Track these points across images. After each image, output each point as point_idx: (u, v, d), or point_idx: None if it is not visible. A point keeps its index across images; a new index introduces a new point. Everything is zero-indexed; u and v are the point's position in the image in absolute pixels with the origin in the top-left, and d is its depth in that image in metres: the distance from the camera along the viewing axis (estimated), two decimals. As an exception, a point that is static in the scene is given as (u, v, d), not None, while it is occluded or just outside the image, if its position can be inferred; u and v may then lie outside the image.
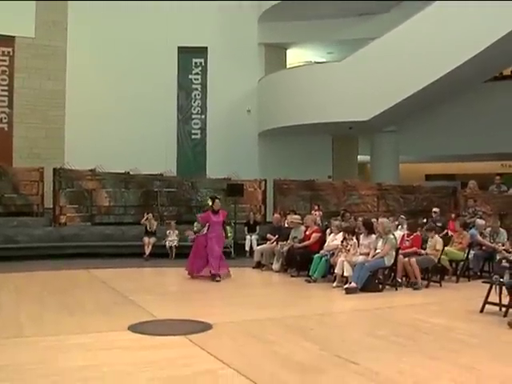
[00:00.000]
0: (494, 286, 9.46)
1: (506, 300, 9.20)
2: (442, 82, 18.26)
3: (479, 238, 13.90)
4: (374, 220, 13.39)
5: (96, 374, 5.95)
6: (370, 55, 19.95)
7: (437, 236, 13.03)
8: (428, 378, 5.96)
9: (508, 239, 13.77)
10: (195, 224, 17.47)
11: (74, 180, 18.96)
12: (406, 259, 12.30)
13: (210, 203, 13.59)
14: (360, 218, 15.39)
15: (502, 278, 9.53)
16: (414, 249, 12.87)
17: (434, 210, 16.56)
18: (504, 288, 9.26)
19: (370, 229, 12.55)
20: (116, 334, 7.76)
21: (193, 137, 23.69)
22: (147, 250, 17.06)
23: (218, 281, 12.71)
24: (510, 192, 18.70)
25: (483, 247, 13.81)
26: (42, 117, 21.20)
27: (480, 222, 14.60)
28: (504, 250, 12.52)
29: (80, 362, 6.33)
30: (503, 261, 10.51)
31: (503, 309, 9.23)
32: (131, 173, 19.41)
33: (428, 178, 29.41)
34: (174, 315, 8.98)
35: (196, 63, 23.65)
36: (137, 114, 21.78)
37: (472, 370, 6.24)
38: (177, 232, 17.70)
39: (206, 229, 13.60)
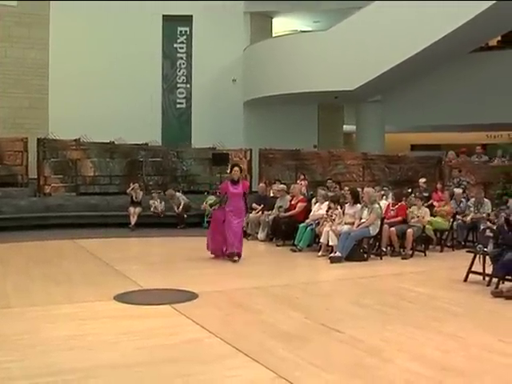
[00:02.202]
0: (477, 256, 9.56)
1: (489, 269, 9.29)
2: (428, 53, 18.20)
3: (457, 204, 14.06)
4: (359, 189, 13.42)
5: (82, 343, 5.99)
6: (356, 25, 19.83)
7: (423, 207, 13.13)
8: (412, 346, 6.04)
9: (492, 209, 13.86)
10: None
11: (58, 150, 18.88)
12: (392, 229, 12.38)
13: (228, 171, 12.40)
14: (346, 188, 15.42)
15: (486, 247, 9.62)
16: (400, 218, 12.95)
17: (422, 180, 16.61)
18: (488, 257, 9.35)
19: (355, 198, 12.60)
20: (102, 303, 7.79)
21: (178, 106, 23.56)
22: (133, 220, 17.04)
23: (235, 261, 11.37)
24: (494, 162, 18.77)
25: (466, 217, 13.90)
26: (25, 87, 20.95)
27: (457, 190, 14.70)
28: (488, 219, 12.63)
29: (66, 332, 6.36)
30: (487, 230, 10.60)
31: (487, 278, 9.33)
32: (116, 142, 19.33)
33: (413, 148, 29.45)
34: (160, 285, 9.01)
35: (181, 32, 23.43)
36: (121, 83, 21.58)
37: (456, 338, 6.33)
38: (158, 201, 17.71)
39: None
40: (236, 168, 11.93)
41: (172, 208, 17.82)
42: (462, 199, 14.64)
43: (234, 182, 11.73)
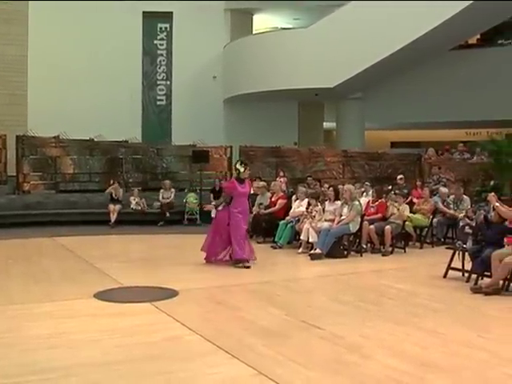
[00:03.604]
0: (457, 252, 9.63)
1: (468, 266, 9.36)
2: (408, 50, 18.32)
3: (441, 205, 14.06)
4: (340, 187, 13.46)
5: (63, 341, 5.97)
6: (337, 22, 19.91)
7: (404, 204, 13.19)
8: (392, 342, 6.07)
9: (471, 206, 13.95)
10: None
11: (37, 147, 18.74)
12: (372, 226, 12.44)
13: (242, 169, 10.92)
14: (326, 185, 15.46)
15: (465, 244, 9.70)
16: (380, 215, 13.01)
17: (399, 177, 16.69)
18: (467, 254, 9.42)
19: (336, 195, 12.65)
20: (83, 301, 7.75)
21: (158, 103, 23.52)
22: (112, 218, 16.95)
23: (247, 267, 10.42)
24: (473, 159, 18.92)
25: (446, 214, 13.98)
26: (3, 83, 20.72)
27: (443, 189, 14.76)
28: (466, 216, 12.71)
29: (47, 331, 6.33)
30: (466, 227, 10.69)
31: (466, 274, 9.41)
32: (96, 139, 19.23)
33: (393, 145, 29.61)
34: (141, 282, 8.99)
35: (161, 28, 23.40)
36: (101, 80, 21.52)
37: (435, 334, 6.37)
38: (138, 199, 17.67)
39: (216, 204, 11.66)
40: (248, 167, 11.16)
41: (151, 205, 17.79)
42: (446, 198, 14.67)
43: (241, 181, 10.93)
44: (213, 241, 10.97)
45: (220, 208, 11.26)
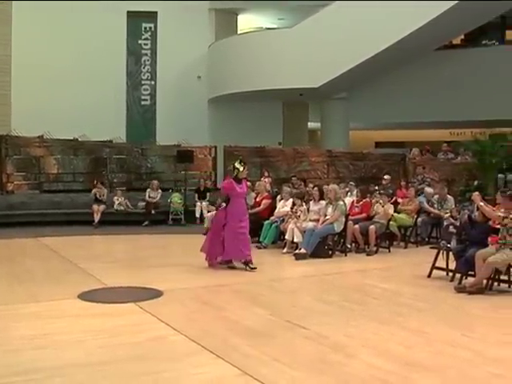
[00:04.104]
0: (441, 252, 9.67)
1: (452, 265, 9.41)
2: (392, 50, 18.35)
3: (426, 205, 14.12)
4: (325, 187, 13.48)
5: (47, 342, 5.94)
6: (321, 22, 19.92)
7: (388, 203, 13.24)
8: (377, 342, 6.09)
9: (455, 206, 14.02)
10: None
11: (21, 147, 18.66)
12: (356, 226, 12.47)
13: (241, 168, 10.55)
14: (310, 185, 15.48)
15: (449, 243, 9.76)
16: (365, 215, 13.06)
17: (385, 177, 16.74)
18: (451, 253, 9.47)
19: (321, 195, 12.67)
20: (67, 302, 7.73)
21: (142, 103, 23.43)
22: (96, 218, 16.91)
23: (252, 268, 10.20)
24: (457, 159, 19.01)
25: (431, 214, 14.04)
26: (-13, 83, 20.71)
27: (429, 189, 14.81)
28: (451, 216, 12.77)
29: (31, 331, 6.30)
30: (450, 227, 10.75)
31: (450, 274, 9.46)
32: (80, 139, 19.15)
33: (378, 145, 29.66)
34: (125, 282, 8.97)
35: (146, 28, 23.30)
36: (85, 79, 21.41)
37: (420, 333, 6.40)
38: (121, 199, 17.63)
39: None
40: (246, 167, 10.86)
41: (136, 205, 17.77)
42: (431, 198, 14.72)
43: (238, 181, 10.55)
44: (212, 242, 10.61)
45: (220, 209, 11.00)
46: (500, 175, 17.76)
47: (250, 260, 10.32)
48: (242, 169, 10.53)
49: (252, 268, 10.21)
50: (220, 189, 11.84)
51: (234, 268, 10.37)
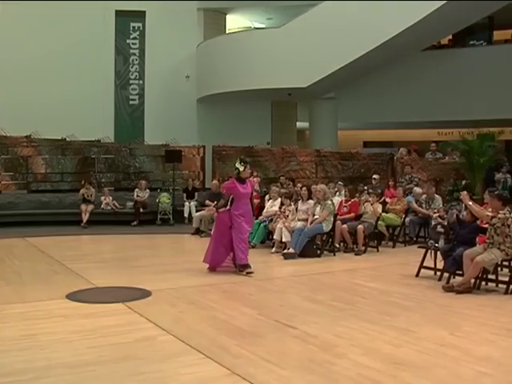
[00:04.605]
0: (429, 251, 9.71)
1: (440, 264, 9.45)
2: (380, 51, 18.38)
3: (415, 205, 14.16)
4: (313, 186, 13.50)
5: (35, 343, 5.92)
6: (309, 22, 19.93)
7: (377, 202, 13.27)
8: (365, 341, 6.10)
9: (443, 205, 14.08)
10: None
11: (8, 147, 18.55)
12: (344, 226, 12.49)
13: (241, 168, 10.09)
14: (299, 184, 15.50)
15: (437, 243, 9.80)
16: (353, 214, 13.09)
17: (374, 176, 16.78)
18: (439, 253, 9.51)
19: (309, 194, 12.70)
20: (55, 302, 7.70)
21: (131, 102, 23.40)
22: (84, 218, 16.84)
23: (249, 273, 9.85)
24: (445, 159, 19.08)
25: (419, 214, 14.08)
26: (-28, 82, 20.57)
27: (417, 189, 14.85)
28: (439, 216, 12.84)
29: (19, 332, 6.27)
30: (438, 226, 10.79)
31: (438, 273, 9.51)
32: (68, 139, 19.07)
33: (366, 144, 29.75)
34: (113, 283, 8.96)
35: (134, 27, 23.26)
36: (73, 79, 21.33)
37: (408, 333, 6.41)
38: (108, 199, 17.58)
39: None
40: (248, 166, 10.36)
41: (125, 205, 17.73)
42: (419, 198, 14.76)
43: (242, 181, 10.14)
44: (216, 249, 10.12)
45: (221, 210, 10.42)
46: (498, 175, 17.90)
47: (248, 264, 10.01)
48: (242, 168, 10.07)
49: (250, 273, 9.87)
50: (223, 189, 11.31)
51: (250, 273, 9.87)
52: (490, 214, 8.77)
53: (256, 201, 14.21)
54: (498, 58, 21.70)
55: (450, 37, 24.10)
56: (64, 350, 5.73)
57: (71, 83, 21.27)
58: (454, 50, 23.26)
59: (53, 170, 19.05)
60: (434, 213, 13.45)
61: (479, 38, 23.52)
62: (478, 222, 9.32)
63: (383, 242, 13.54)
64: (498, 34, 24.21)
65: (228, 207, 10.14)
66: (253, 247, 12.73)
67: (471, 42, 23.60)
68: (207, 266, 10.12)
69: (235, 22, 26.20)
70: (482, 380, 5.09)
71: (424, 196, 14.37)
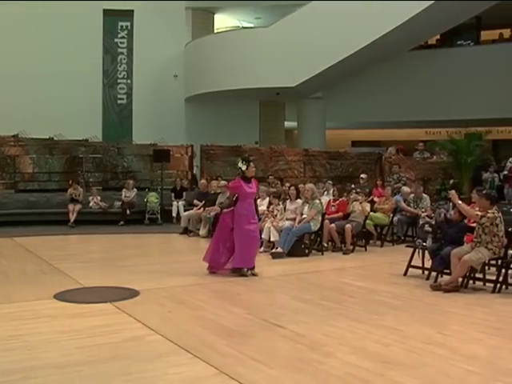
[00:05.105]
0: (417, 250, 9.75)
1: (428, 263, 9.49)
2: (369, 50, 18.45)
3: (403, 204, 14.19)
4: (301, 186, 13.51)
5: (22, 343, 5.89)
6: (298, 21, 19.98)
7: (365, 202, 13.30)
8: (353, 340, 6.11)
9: (431, 205, 14.12)
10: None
11: (-5, 146, 18.49)
12: (332, 225, 12.50)
13: (244, 167, 9.80)
14: (287, 184, 15.50)
15: (425, 242, 9.83)
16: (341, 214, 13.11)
17: (362, 176, 16.82)
18: (426, 252, 9.54)
19: (298, 194, 12.71)
20: (42, 302, 7.67)
21: (119, 102, 23.36)
22: (72, 217, 16.76)
23: (254, 274, 9.77)
24: (433, 158, 19.15)
25: (407, 213, 14.11)
26: (-41, 81, 20.46)
27: (406, 189, 14.89)
28: (426, 215, 12.88)
29: (6, 332, 6.24)
30: (426, 225, 10.83)
31: (426, 272, 9.55)
32: (55, 138, 18.98)
33: (354, 144, 29.81)
34: (101, 282, 8.93)
35: (122, 26, 23.23)
36: (61, 78, 21.28)
37: (396, 331, 6.43)
38: (96, 198, 17.53)
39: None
40: (252, 164, 10.00)
41: (112, 205, 17.68)
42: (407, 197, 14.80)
43: (247, 180, 9.87)
44: (216, 249, 9.93)
45: (225, 211, 10.19)
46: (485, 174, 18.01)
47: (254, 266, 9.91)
48: (245, 167, 9.79)
49: (253, 274, 9.78)
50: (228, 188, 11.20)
51: (245, 275, 9.73)
52: (479, 213, 8.80)
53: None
54: (486, 58, 21.83)
55: (438, 37, 24.20)
56: (52, 350, 5.70)
57: (59, 82, 21.22)
58: (442, 50, 23.39)
59: (40, 169, 18.93)
60: (422, 212, 13.51)
61: (467, 38, 23.65)
62: (466, 221, 9.36)
63: (371, 242, 13.58)
64: (485, 34, 24.34)
65: (232, 207, 9.92)
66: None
67: (459, 42, 23.73)
68: (206, 265, 9.98)
69: (223, 21, 26.22)
70: (469, 378, 5.11)
71: (412, 195, 14.41)
